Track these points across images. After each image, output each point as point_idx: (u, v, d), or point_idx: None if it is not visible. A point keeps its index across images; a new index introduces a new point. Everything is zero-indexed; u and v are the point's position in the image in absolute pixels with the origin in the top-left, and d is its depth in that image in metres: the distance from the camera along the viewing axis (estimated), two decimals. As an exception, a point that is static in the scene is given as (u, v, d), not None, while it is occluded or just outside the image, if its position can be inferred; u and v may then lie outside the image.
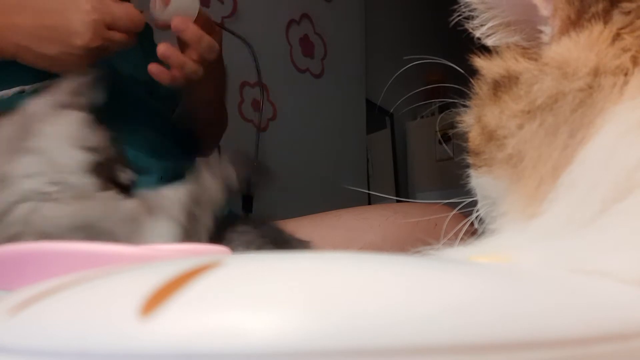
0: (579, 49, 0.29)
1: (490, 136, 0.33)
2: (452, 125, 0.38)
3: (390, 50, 2.02)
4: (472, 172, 0.37)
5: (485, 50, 0.35)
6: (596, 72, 0.28)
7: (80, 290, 0.18)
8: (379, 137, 2.06)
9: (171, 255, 0.24)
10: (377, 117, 2.01)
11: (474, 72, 0.36)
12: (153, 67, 0.65)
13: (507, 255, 0.26)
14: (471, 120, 0.36)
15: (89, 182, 0.46)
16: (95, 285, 0.18)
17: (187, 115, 0.86)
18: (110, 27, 0.59)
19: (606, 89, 0.27)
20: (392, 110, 2.05)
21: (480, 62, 0.35)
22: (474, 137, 0.35)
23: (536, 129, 0.29)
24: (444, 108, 0.41)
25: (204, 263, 0.18)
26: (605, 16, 0.29)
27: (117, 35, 0.60)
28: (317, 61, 1.77)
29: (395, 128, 2.11)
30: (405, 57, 0.44)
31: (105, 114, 0.68)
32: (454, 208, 0.56)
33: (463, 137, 0.38)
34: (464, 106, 0.37)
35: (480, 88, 0.35)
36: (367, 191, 1.71)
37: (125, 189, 0.50)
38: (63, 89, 0.50)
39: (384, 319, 0.15)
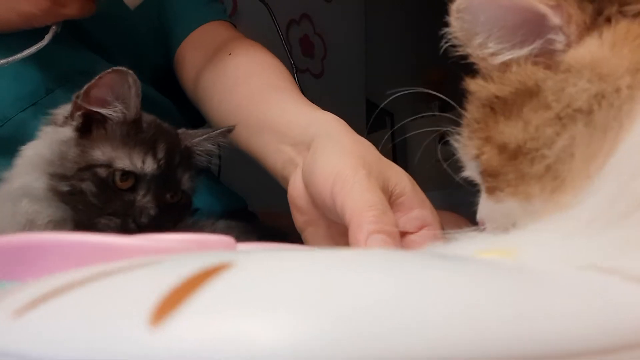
0: (605, 49, 0.29)
1: (516, 153, 0.31)
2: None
3: (390, 50, 2.02)
4: (487, 197, 0.35)
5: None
6: (631, 70, 0.28)
7: (86, 293, 0.18)
8: (379, 137, 2.05)
9: (173, 246, 0.23)
10: (377, 117, 2.01)
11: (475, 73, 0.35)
12: None
13: (512, 251, 0.26)
14: (474, 146, 0.34)
15: None
16: (102, 289, 0.18)
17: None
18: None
19: None
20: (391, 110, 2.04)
21: (474, 84, 0.34)
22: (489, 159, 0.33)
23: (581, 131, 0.28)
24: (444, 108, 0.41)
25: (215, 264, 0.17)
26: (624, 15, 0.29)
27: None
28: (317, 61, 1.77)
29: (395, 128, 2.11)
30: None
31: None
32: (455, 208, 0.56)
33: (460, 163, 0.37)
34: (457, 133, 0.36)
35: (473, 112, 0.34)
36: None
37: None
38: None
39: (407, 328, 0.15)
